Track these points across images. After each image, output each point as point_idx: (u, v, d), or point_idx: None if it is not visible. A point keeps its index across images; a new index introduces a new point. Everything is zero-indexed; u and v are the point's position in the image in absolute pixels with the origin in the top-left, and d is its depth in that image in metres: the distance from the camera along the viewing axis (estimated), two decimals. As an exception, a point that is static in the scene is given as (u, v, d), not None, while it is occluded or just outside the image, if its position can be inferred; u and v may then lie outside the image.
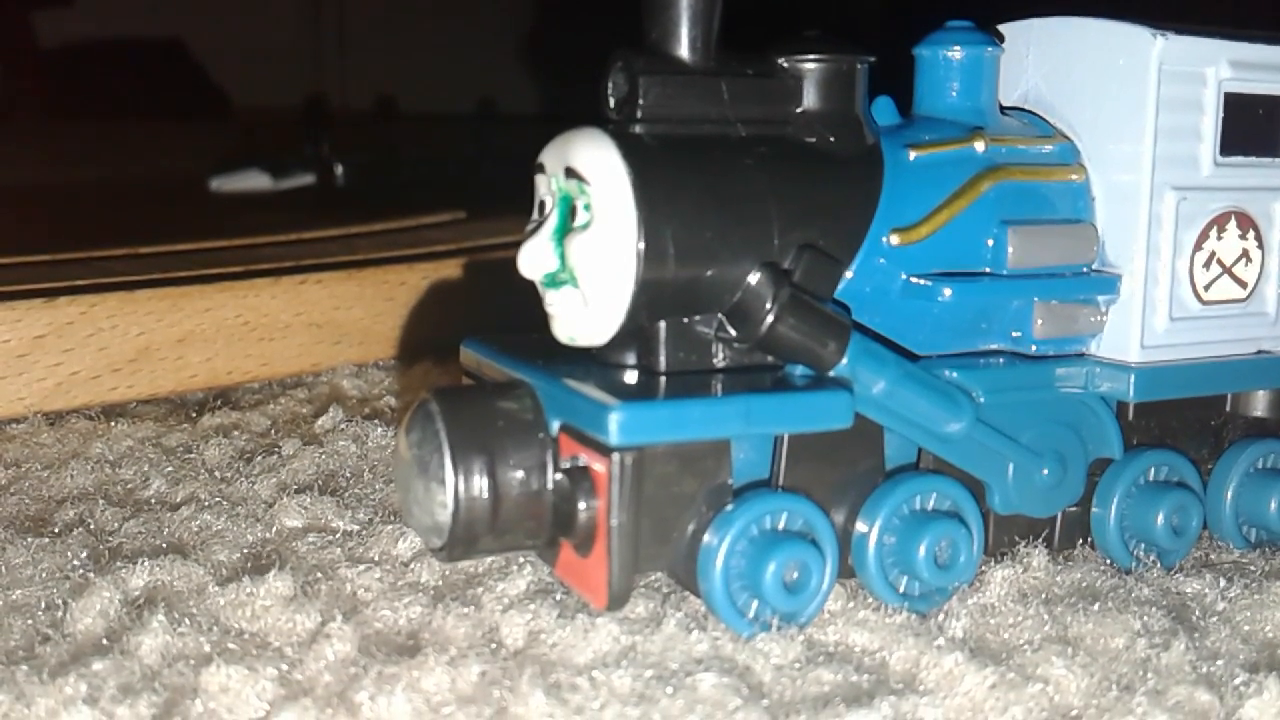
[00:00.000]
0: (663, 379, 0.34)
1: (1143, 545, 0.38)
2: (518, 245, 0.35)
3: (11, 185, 1.08)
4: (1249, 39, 0.39)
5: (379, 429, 0.50)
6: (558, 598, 0.34)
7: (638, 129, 0.34)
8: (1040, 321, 0.37)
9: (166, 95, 1.71)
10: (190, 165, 1.13)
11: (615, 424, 0.30)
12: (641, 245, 0.32)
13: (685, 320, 0.34)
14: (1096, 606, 0.34)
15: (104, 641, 0.32)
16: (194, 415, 0.53)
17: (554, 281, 0.34)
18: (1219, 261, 0.39)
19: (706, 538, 0.32)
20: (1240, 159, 0.39)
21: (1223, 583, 0.36)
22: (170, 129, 1.50)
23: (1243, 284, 0.39)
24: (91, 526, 0.40)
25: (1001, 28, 0.41)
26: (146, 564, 0.35)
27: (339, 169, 1.13)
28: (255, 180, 1.07)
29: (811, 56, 0.35)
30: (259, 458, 0.47)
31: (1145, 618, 0.33)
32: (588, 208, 0.33)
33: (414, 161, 1.29)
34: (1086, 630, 0.33)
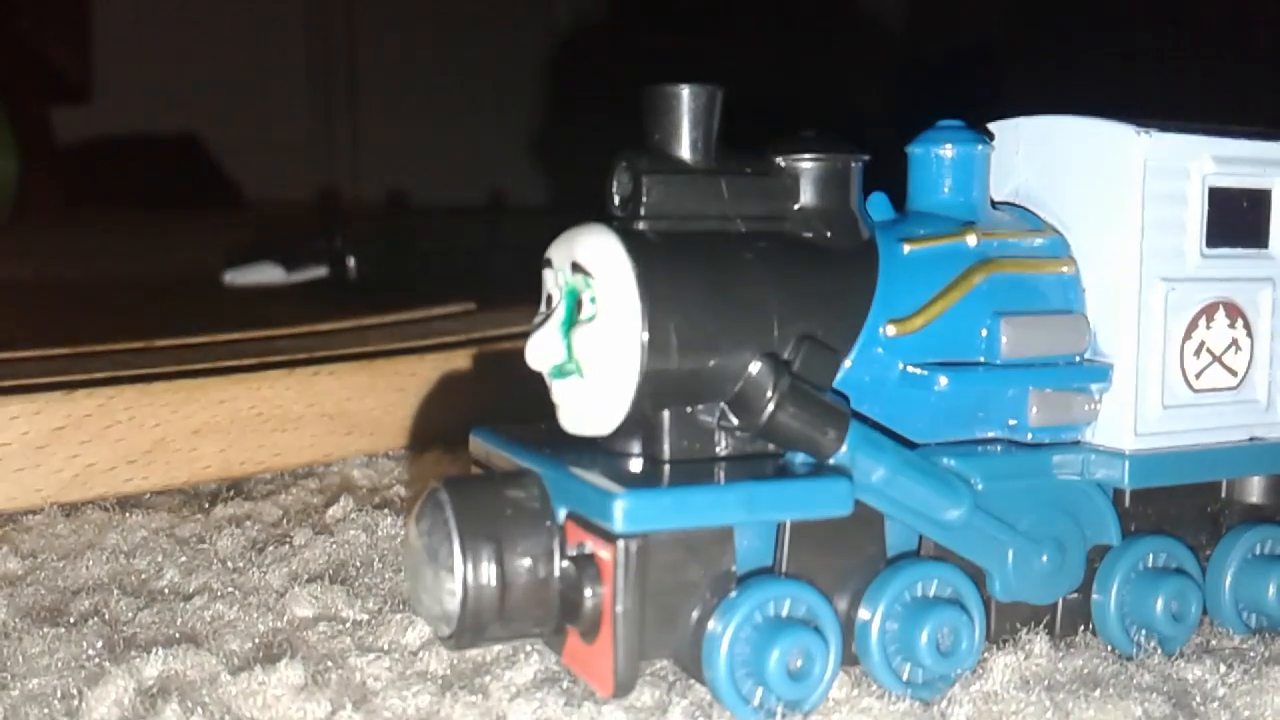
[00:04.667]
0: (667, 467, 0.34)
1: (1143, 631, 0.38)
2: (526, 336, 0.35)
3: (30, 279, 1.10)
4: (1231, 134, 0.40)
5: (389, 518, 0.50)
6: (565, 686, 0.34)
7: (641, 225, 0.35)
8: (1035, 409, 0.38)
9: (181, 189, 1.74)
10: (204, 258, 1.15)
11: (620, 511, 0.31)
12: (645, 336, 0.33)
13: (688, 409, 0.35)
14: (1098, 693, 0.34)
15: (118, 730, 0.32)
16: (207, 506, 0.54)
17: (561, 372, 0.35)
18: (1209, 350, 0.39)
19: (711, 624, 0.32)
20: (1226, 250, 0.40)
21: (1223, 668, 0.36)
22: (184, 223, 1.52)
23: (1233, 372, 0.40)
24: (106, 616, 0.41)
25: (991, 126, 0.42)
26: (160, 653, 0.36)
27: (351, 261, 1.14)
28: (269, 273, 1.08)
29: (808, 155, 0.36)
30: (271, 547, 0.48)
31: (1146, 704, 0.33)
32: (593, 300, 0.34)
33: (425, 253, 1.31)
34: (1088, 717, 0.33)
